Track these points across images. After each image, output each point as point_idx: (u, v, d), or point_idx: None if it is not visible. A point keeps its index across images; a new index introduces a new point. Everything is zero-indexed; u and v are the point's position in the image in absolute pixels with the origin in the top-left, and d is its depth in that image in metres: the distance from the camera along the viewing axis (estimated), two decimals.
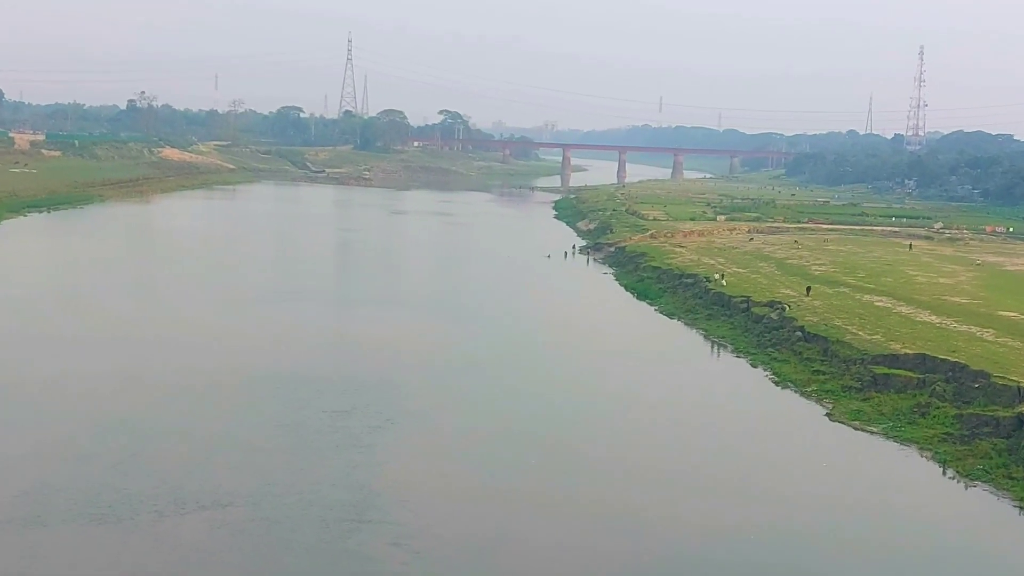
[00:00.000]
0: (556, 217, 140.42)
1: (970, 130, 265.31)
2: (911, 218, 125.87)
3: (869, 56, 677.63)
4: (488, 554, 28.51)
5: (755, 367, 51.09)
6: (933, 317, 55.18)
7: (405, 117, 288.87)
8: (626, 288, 76.38)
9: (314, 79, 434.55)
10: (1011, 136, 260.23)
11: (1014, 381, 40.78)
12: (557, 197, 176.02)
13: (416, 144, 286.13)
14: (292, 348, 51.00)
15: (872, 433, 40.01)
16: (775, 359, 51.42)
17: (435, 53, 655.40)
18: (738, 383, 48.86)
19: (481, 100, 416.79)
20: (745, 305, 61.51)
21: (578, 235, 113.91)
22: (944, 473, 35.95)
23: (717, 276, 69.92)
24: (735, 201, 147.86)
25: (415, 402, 41.86)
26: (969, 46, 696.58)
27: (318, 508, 30.23)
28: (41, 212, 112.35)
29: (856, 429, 40.56)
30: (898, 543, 30.51)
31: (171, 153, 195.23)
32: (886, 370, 45.11)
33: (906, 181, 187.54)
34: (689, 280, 72.02)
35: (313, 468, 33.50)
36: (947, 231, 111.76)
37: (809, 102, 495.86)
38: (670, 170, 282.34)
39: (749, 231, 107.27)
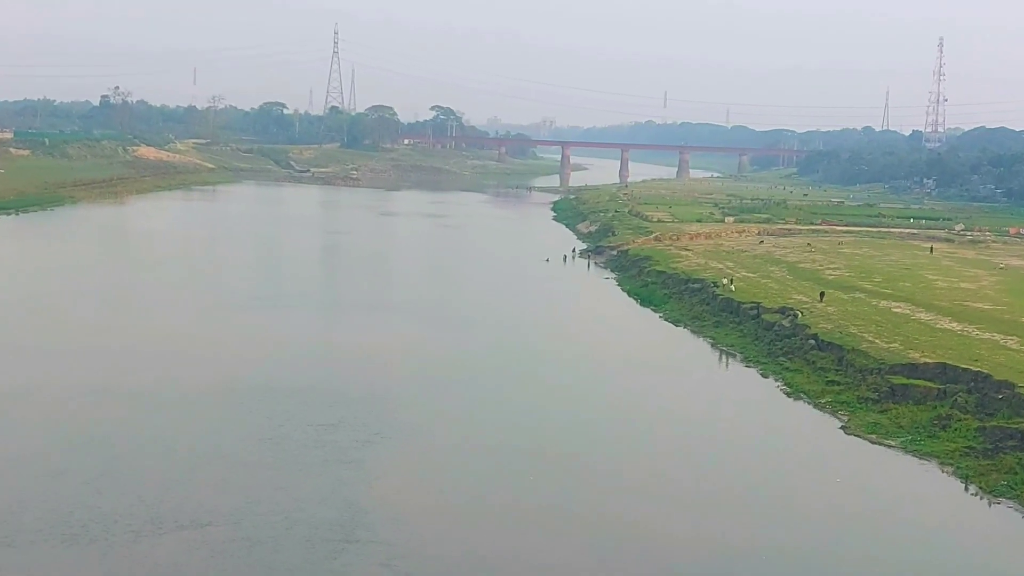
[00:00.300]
0: (555, 219, 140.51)
1: (992, 126, 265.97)
2: (930, 219, 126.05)
3: (885, 49, 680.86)
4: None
5: (766, 377, 51.14)
6: (954, 324, 55.26)
7: (395, 113, 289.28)
8: (629, 294, 76.44)
9: (298, 74, 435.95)
10: None
11: None
12: (556, 198, 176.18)
13: (406, 142, 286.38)
14: (275, 358, 50.97)
15: (890, 447, 40.04)
16: (787, 369, 51.46)
17: (426, 47, 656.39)
18: (748, 394, 48.88)
19: (475, 96, 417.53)
20: (755, 312, 61.58)
21: (578, 238, 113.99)
22: (966, 489, 35.98)
23: (725, 281, 70.00)
24: (744, 202, 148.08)
25: (406, 414, 41.86)
26: (991, 37, 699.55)
27: (303, 527, 30.21)
28: (9, 215, 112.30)
29: (873, 443, 40.59)
30: (918, 563, 30.54)
31: (147, 152, 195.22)
32: (904, 380, 45.17)
33: (925, 180, 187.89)
34: (696, 285, 72.10)
35: (298, 485, 33.48)
36: (968, 233, 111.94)
37: (822, 97, 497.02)
38: (675, 169, 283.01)
39: (759, 233, 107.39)
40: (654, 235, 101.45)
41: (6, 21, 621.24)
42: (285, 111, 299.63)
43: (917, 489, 36.53)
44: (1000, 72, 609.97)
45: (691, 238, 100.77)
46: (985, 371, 44.07)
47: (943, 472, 37.48)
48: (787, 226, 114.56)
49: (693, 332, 62.41)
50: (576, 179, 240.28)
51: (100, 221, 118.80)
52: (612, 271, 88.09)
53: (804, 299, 63.59)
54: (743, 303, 63.66)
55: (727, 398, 47.98)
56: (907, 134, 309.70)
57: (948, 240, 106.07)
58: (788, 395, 47.84)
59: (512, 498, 33.79)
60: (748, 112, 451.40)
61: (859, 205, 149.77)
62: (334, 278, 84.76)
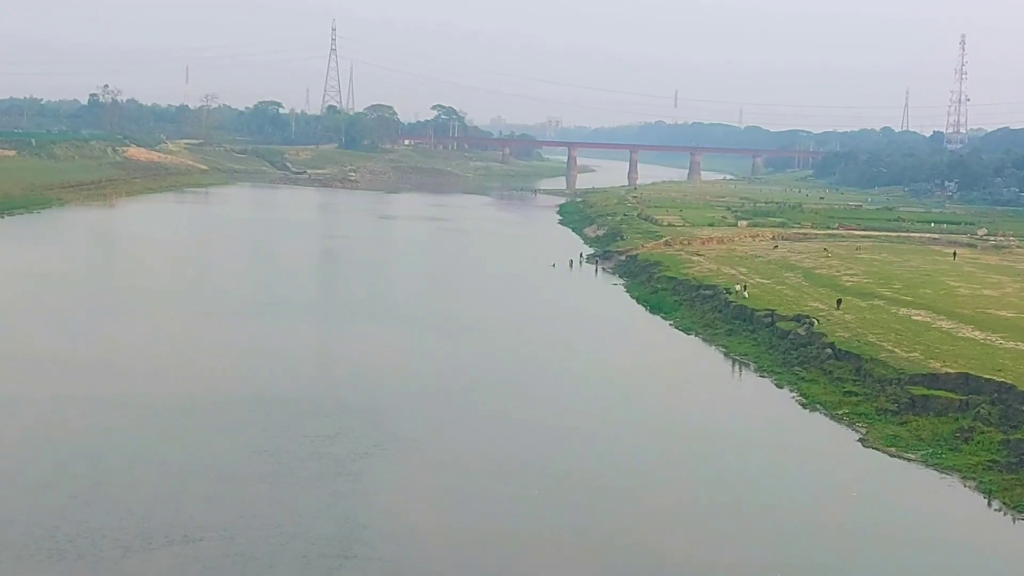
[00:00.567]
0: (561, 222, 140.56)
1: (1017, 127, 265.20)
2: (952, 223, 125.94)
3: (906, 48, 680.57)
4: None
5: (780, 388, 51.12)
6: (977, 332, 55.21)
7: (395, 113, 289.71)
8: (638, 300, 76.47)
9: (295, 72, 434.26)
10: None
11: None
12: (562, 200, 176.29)
13: (407, 143, 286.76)
14: (270, 367, 51.02)
15: (910, 460, 39.99)
16: (803, 379, 51.44)
17: (427, 44, 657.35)
18: (761, 405, 48.85)
19: (478, 95, 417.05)
20: (769, 319, 61.56)
21: (585, 242, 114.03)
22: (989, 504, 35.92)
23: (738, 287, 70.01)
24: (758, 205, 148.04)
25: (406, 426, 41.87)
26: (1016, 36, 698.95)
27: (299, 542, 30.22)
28: None
29: (892, 456, 40.54)
30: None
31: (137, 152, 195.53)
32: (925, 391, 45.10)
33: (946, 183, 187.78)
34: (708, 292, 72.10)
35: (293, 498, 33.50)
36: (991, 238, 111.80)
37: (839, 97, 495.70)
38: (686, 171, 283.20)
39: (773, 238, 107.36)
40: (664, 239, 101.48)
41: None
42: (281, 111, 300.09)
43: (938, 504, 36.48)
44: None
45: (703, 243, 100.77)
46: (1009, 381, 43.99)
47: (965, 487, 37.41)
48: (803, 230, 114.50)
49: (705, 340, 62.40)
50: (583, 181, 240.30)
51: (88, 224, 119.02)
52: (620, 277, 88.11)
53: (820, 306, 63.56)
54: (757, 310, 63.63)
55: (740, 410, 47.96)
56: (928, 135, 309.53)
57: (970, 245, 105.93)
58: (804, 406, 47.80)
59: (516, 515, 33.79)
60: (762, 112, 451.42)
61: (878, 209, 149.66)
62: (331, 284, 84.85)
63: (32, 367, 48.86)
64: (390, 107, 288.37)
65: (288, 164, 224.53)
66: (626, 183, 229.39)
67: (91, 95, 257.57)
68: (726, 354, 58.66)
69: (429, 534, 31.77)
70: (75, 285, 73.78)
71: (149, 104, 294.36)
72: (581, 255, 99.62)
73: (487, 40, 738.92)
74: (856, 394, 47.71)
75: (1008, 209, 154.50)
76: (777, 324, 60.36)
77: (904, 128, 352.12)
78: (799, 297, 67.89)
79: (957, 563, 32.08)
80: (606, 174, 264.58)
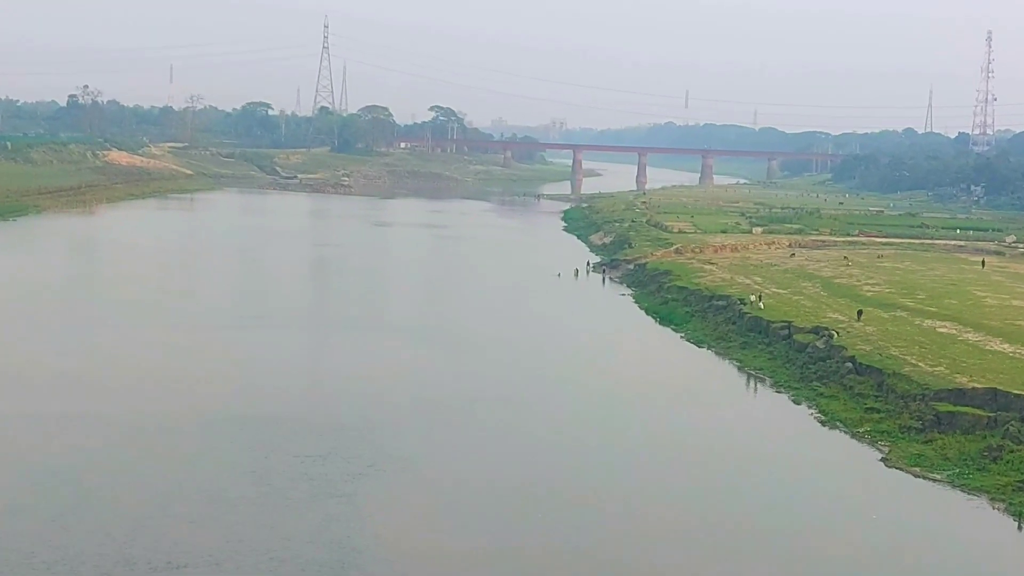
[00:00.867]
0: (565, 229, 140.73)
1: None
2: (978, 230, 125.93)
3: (929, 45, 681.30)
4: None
5: (798, 404, 51.09)
6: (1005, 345, 55.18)
7: (390, 115, 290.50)
8: (647, 311, 76.49)
9: (285, 72, 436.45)
10: None
11: None
12: (567, 206, 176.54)
13: (403, 146, 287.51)
14: (259, 383, 51.06)
15: (935, 481, 39.94)
16: (821, 395, 51.41)
17: (424, 42, 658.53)
18: (778, 423, 48.83)
19: (478, 95, 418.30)
20: (786, 332, 61.57)
21: (591, 250, 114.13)
22: (1020, 528, 35.87)
23: (753, 298, 70.01)
24: (774, 210, 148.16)
25: (402, 445, 41.86)
26: None
27: (290, 567, 30.21)
28: None
29: (916, 476, 40.49)
30: None
31: (119, 156, 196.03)
32: (951, 407, 45.08)
33: (972, 187, 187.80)
34: (721, 302, 72.13)
35: (284, 521, 33.48)
36: (1021, 245, 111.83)
37: (859, 97, 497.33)
38: (698, 175, 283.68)
39: (790, 245, 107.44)
40: (675, 247, 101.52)
41: None
42: (270, 112, 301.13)
43: (965, 528, 36.43)
44: None
45: (715, 251, 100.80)
46: None
47: (994, 509, 37.36)
48: (821, 237, 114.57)
49: (718, 354, 62.39)
50: (589, 186, 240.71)
51: (67, 233, 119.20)
52: (628, 287, 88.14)
53: (840, 318, 63.56)
54: (773, 322, 63.64)
55: (755, 427, 47.93)
56: (953, 136, 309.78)
57: (998, 253, 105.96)
58: (823, 424, 47.76)
59: (519, 538, 33.77)
60: (778, 113, 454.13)
61: (900, 214, 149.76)
62: (323, 296, 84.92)
63: (6, 384, 48.89)
64: (385, 108, 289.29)
65: (278, 168, 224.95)
66: (634, 188, 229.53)
67: (70, 96, 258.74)
68: (740, 368, 58.64)
69: (427, 559, 31.75)
70: (53, 298, 73.85)
71: (131, 105, 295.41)
72: (588, 264, 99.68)
73: (488, 38, 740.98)
74: (878, 411, 47.67)
75: None
76: (794, 337, 60.35)
77: (928, 129, 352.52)
78: (817, 308, 67.89)
79: None
80: (613, 178, 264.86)
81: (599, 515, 35.86)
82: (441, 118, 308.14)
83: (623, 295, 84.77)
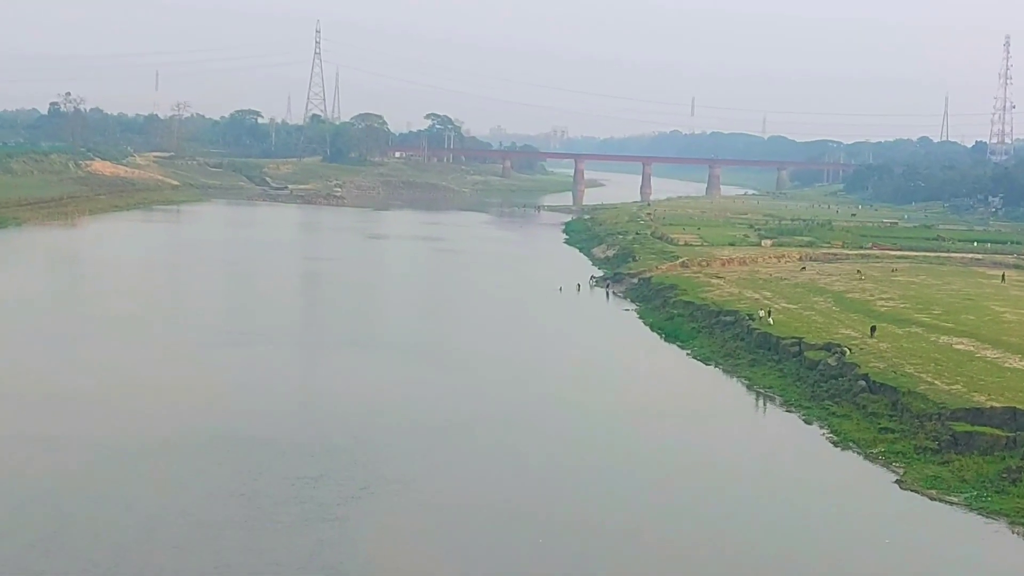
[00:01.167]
0: (567, 242, 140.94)
1: None
2: (997, 242, 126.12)
3: (944, 52, 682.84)
4: None
5: (809, 424, 51.13)
6: None
7: (385, 123, 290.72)
8: (652, 327, 76.55)
9: (275, 79, 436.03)
10: None
11: None
12: (568, 218, 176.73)
13: (398, 155, 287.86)
14: (247, 402, 51.07)
15: (952, 504, 39.96)
16: (833, 414, 51.45)
17: (420, 48, 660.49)
18: (788, 443, 48.86)
19: (476, 103, 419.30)
20: (797, 348, 61.63)
21: (594, 264, 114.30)
22: None
23: (762, 313, 70.10)
24: (783, 222, 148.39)
25: (397, 467, 41.86)
26: None
27: None
28: None
29: (933, 499, 40.51)
30: None
31: (102, 167, 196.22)
32: (968, 427, 45.11)
33: (990, 198, 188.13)
34: (728, 318, 72.20)
35: (273, 546, 33.47)
36: None
37: (872, 104, 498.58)
38: (704, 185, 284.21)
39: (801, 259, 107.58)
40: (680, 261, 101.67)
41: None
42: (259, 120, 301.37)
43: (983, 553, 36.43)
44: None
45: (723, 264, 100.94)
46: None
47: (1013, 533, 37.39)
48: (833, 250, 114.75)
49: (725, 372, 62.44)
50: (591, 197, 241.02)
51: (48, 246, 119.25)
52: (632, 301, 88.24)
53: (853, 334, 63.64)
54: (783, 339, 63.70)
55: (764, 448, 47.97)
56: (970, 145, 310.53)
57: (1018, 267, 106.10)
58: (835, 444, 47.79)
59: (517, 566, 33.75)
60: (788, 121, 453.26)
61: (915, 226, 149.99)
62: (315, 312, 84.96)
63: None
64: (379, 116, 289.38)
65: (267, 179, 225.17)
66: (638, 199, 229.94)
67: (51, 104, 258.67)
68: (749, 386, 58.68)
69: None
70: (33, 314, 73.84)
71: (115, 114, 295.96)
72: (592, 278, 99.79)
73: (486, 43, 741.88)
74: (892, 431, 47.70)
75: None
76: (805, 354, 60.40)
77: (943, 138, 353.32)
78: (829, 324, 67.97)
79: None
80: (616, 189, 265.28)
81: (601, 540, 35.85)
82: (437, 126, 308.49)
83: (627, 310, 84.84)
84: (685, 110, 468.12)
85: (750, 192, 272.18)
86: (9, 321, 69.77)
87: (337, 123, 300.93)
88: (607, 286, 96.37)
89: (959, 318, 69.92)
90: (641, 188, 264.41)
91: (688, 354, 67.68)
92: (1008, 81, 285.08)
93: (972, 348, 59.33)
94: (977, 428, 44.95)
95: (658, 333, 74.57)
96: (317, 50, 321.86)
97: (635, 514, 38.52)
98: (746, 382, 59.56)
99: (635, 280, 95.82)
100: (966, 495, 40.40)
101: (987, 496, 40.10)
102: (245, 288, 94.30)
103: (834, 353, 58.71)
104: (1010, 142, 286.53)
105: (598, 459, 44.72)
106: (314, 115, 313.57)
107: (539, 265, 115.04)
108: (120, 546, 33.05)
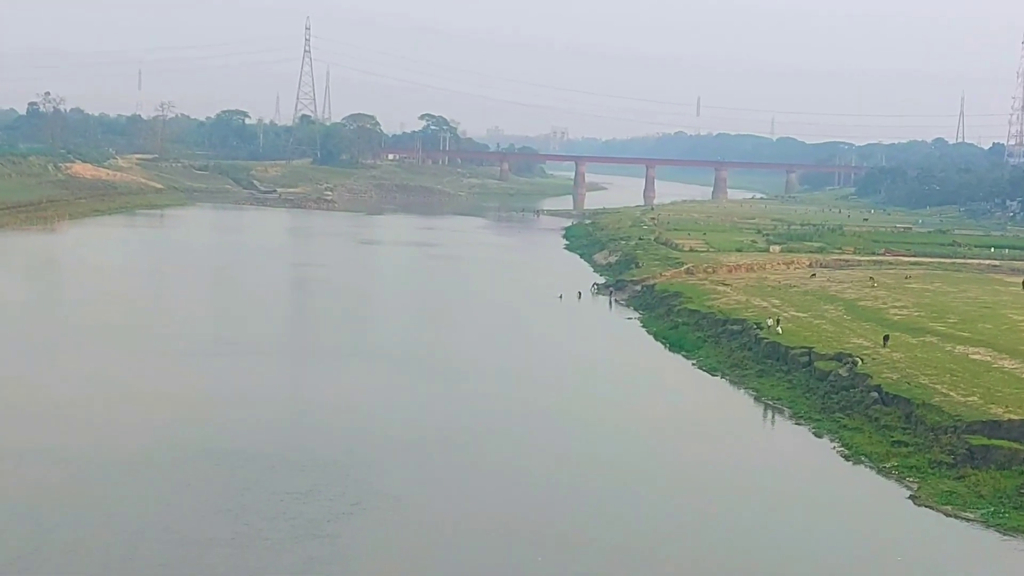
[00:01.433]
0: (567, 248, 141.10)
1: None
2: (1015, 248, 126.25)
3: (960, 50, 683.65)
4: None
5: (819, 437, 51.18)
6: None
7: (378, 124, 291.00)
8: (656, 336, 76.62)
9: (263, 78, 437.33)
10: None
11: None
12: (569, 223, 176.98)
13: (391, 157, 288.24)
14: (234, 415, 51.07)
15: (968, 520, 40.00)
16: (845, 427, 51.50)
17: (414, 47, 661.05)
18: (798, 457, 48.91)
19: (473, 103, 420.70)
20: (806, 359, 61.70)
21: (595, 270, 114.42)
22: None
23: (771, 322, 70.18)
24: (793, 227, 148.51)
25: (390, 483, 41.89)
26: None
27: None
28: None
29: (948, 515, 40.55)
30: None
31: (83, 169, 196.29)
32: (985, 440, 45.15)
33: (1008, 202, 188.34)
34: (735, 327, 72.28)
35: (261, 565, 33.51)
36: None
37: (885, 105, 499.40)
38: (710, 189, 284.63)
39: (811, 265, 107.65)
40: (685, 267, 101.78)
41: None
42: (247, 121, 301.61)
43: (1000, 571, 36.47)
44: None
45: (729, 271, 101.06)
46: None
47: None
48: (844, 256, 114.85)
49: (732, 383, 62.50)
50: (592, 200, 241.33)
51: (26, 252, 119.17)
52: (635, 310, 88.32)
53: (865, 343, 63.70)
54: (792, 348, 63.78)
55: (773, 462, 48.00)
56: (987, 147, 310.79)
57: None
58: (846, 458, 47.83)
59: None
60: (797, 122, 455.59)
61: (929, 232, 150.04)
62: (304, 321, 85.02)
63: None
64: (372, 117, 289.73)
65: (255, 182, 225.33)
66: (642, 202, 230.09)
67: (30, 104, 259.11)
68: (757, 398, 58.75)
69: None
70: (10, 323, 73.87)
71: (96, 114, 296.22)
72: (595, 285, 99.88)
73: (483, 40, 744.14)
74: (906, 444, 47.74)
75: None
76: (815, 364, 60.47)
77: (959, 139, 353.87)
78: (840, 333, 68.03)
79: None
80: (619, 192, 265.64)
81: (604, 560, 35.86)
82: (432, 127, 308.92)
83: (630, 319, 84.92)
84: (690, 110, 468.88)
85: (758, 196, 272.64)
86: None
87: (328, 124, 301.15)
88: (609, 293, 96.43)
89: (975, 327, 69.95)
90: (644, 191, 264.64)
91: (693, 364, 67.75)
92: None
93: (989, 358, 59.37)
94: (994, 441, 44.97)
95: (662, 342, 74.64)
96: (307, 48, 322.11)
97: (638, 531, 38.52)
98: (754, 393, 59.62)
99: (638, 287, 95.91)
100: (983, 511, 40.43)
101: (1005, 512, 40.12)
102: (232, 296, 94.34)
103: (845, 363, 58.77)
104: None
105: (600, 474, 44.73)
106: (304, 115, 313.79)
107: (538, 272, 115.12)
108: (102, 564, 33.08)
